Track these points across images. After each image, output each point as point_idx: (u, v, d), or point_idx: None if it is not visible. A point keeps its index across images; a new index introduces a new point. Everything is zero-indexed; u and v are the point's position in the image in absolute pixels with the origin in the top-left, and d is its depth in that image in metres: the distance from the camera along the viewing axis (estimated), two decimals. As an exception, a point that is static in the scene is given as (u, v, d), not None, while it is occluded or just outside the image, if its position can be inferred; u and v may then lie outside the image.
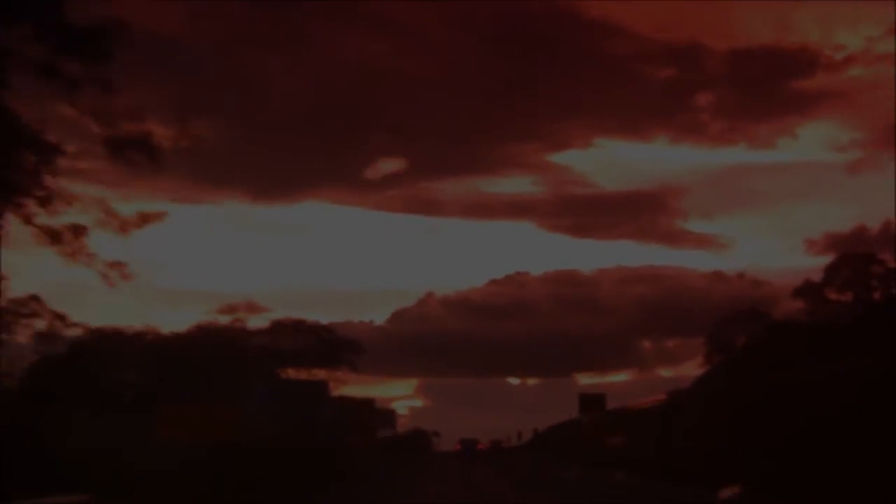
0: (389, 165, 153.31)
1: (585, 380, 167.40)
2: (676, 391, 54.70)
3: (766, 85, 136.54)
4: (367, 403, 59.86)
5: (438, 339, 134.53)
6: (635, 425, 51.59)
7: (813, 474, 23.98)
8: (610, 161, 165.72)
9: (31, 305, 29.65)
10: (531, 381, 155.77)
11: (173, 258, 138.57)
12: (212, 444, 28.06)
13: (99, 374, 42.23)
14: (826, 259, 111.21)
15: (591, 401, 56.57)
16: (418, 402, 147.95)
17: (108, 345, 43.85)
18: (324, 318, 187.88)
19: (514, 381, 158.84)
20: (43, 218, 25.07)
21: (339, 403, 57.16)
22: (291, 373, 62.64)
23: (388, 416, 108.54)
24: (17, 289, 28.17)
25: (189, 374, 42.49)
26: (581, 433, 55.86)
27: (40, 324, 30.47)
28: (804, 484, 23.41)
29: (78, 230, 25.85)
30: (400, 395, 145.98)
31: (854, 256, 61.96)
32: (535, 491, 34.65)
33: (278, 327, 61.80)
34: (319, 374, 63.28)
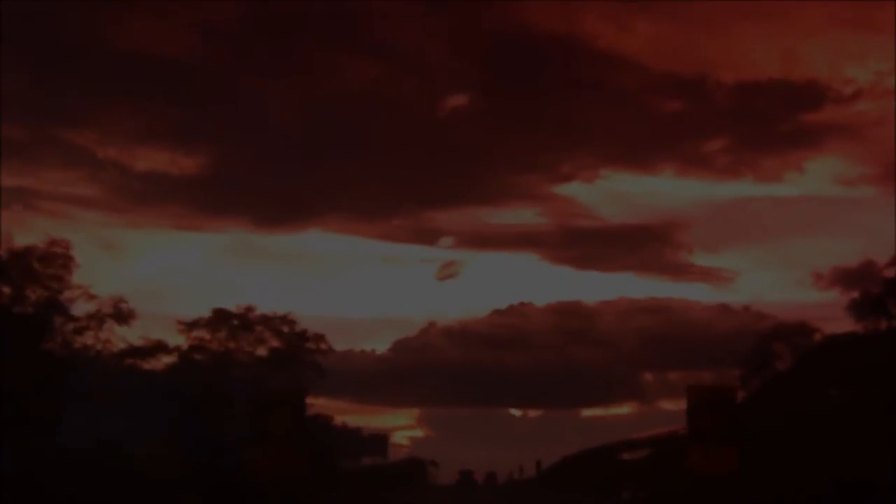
0: (393, 194, 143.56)
1: (587, 412, 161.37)
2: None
3: (774, 118, 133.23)
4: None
5: (440, 368, 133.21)
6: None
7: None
8: (615, 193, 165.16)
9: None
10: (533, 413, 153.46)
11: (176, 285, 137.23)
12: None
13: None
14: (832, 293, 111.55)
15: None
16: (419, 433, 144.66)
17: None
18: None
19: (515, 412, 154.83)
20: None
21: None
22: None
23: (378, 442, 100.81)
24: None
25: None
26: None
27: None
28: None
29: None
30: (401, 426, 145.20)
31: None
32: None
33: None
34: (320, 402, 59.79)
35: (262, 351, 52.33)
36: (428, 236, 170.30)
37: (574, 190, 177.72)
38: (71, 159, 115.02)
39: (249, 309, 52.13)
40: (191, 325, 51.19)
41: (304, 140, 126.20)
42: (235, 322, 51.73)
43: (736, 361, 62.38)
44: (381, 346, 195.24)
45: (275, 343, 52.68)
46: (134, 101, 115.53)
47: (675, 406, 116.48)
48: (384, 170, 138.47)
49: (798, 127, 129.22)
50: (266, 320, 52.64)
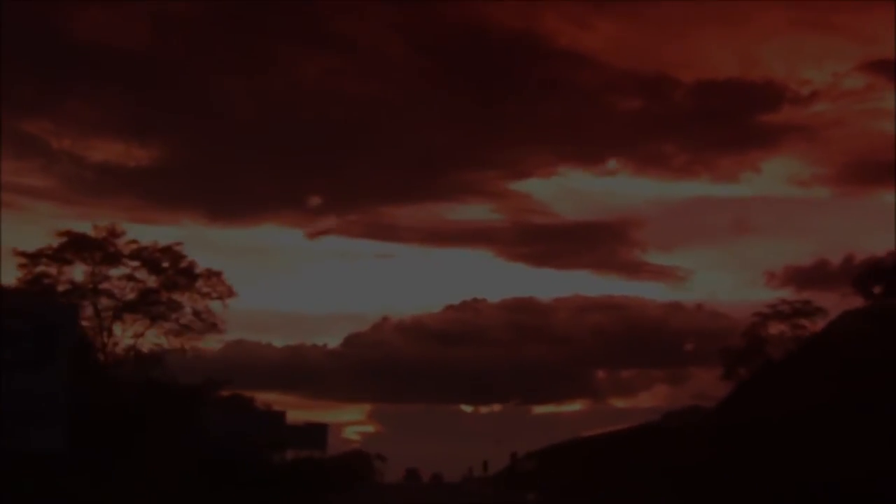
0: (348, 189, 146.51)
1: (539, 409, 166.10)
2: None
3: (731, 118, 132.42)
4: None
5: (392, 364, 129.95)
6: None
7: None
8: (571, 190, 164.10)
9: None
10: (484, 409, 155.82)
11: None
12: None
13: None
14: (785, 293, 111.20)
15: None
16: (370, 428, 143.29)
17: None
18: (278, 341, 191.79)
19: (467, 408, 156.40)
20: None
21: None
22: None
23: (316, 433, 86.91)
24: None
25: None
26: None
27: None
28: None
29: None
30: (352, 421, 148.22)
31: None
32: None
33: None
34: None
35: (131, 294, 38.35)
36: (383, 232, 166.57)
37: (531, 187, 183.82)
38: (24, 149, 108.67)
39: (114, 233, 38.02)
40: (34, 257, 37.22)
41: (259, 134, 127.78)
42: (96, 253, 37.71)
43: (721, 355, 57.13)
44: (334, 341, 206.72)
45: (151, 283, 38.70)
46: (89, 92, 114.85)
47: (626, 404, 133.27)
48: (340, 165, 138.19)
49: (755, 127, 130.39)
50: (140, 252, 38.62)
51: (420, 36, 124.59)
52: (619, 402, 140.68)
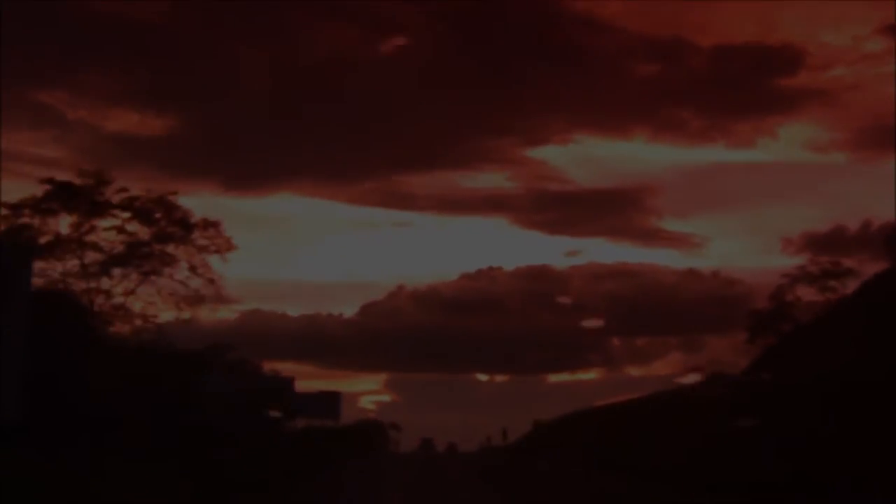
0: (364, 158, 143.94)
1: (554, 377, 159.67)
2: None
3: (749, 83, 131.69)
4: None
5: (408, 333, 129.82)
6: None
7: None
8: (587, 157, 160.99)
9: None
10: (500, 378, 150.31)
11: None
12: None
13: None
14: (802, 259, 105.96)
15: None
16: (386, 398, 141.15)
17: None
18: (294, 311, 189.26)
19: (482, 377, 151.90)
20: None
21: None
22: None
23: (328, 402, 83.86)
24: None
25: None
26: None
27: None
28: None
29: None
30: (368, 390, 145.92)
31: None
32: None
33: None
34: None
35: (119, 247, 34.79)
36: (399, 200, 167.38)
37: (547, 154, 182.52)
38: (40, 120, 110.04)
39: (102, 181, 34.37)
40: (16, 208, 33.73)
41: (275, 103, 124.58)
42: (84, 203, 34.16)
43: (748, 319, 53.09)
44: (350, 310, 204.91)
45: (143, 235, 35.15)
46: (104, 63, 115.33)
47: (642, 372, 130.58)
48: (355, 133, 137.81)
49: (772, 92, 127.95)
50: (130, 202, 35.04)
51: (436, 3, 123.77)
52: (634, 371, 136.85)
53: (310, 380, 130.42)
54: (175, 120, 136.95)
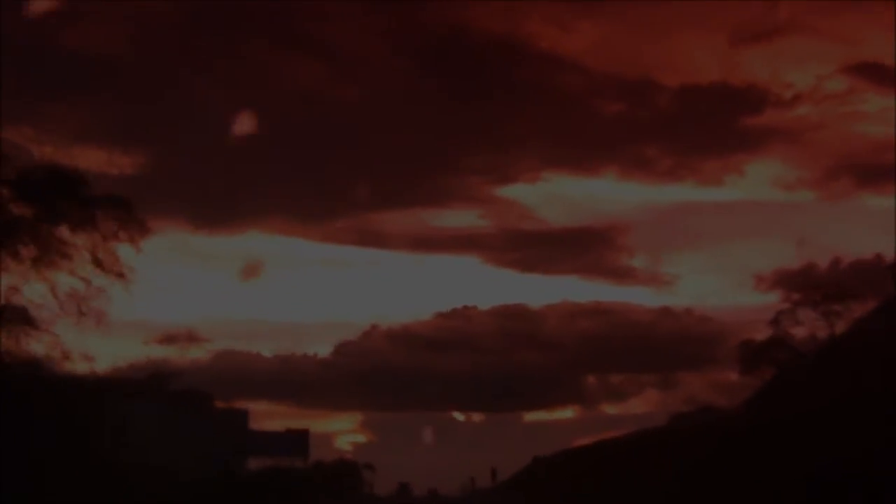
0: (335, 196, 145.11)
1: (530, 416, 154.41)
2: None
3: (715, 122, 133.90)
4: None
5: (383, 372, 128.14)
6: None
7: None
8: (557, 195, 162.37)
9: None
10: (476, 417, 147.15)
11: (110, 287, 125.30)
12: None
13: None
14: (773, 297, 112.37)
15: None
16: (361, 437, 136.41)
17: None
18: (267, 351, 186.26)
19: (458, 416, 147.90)
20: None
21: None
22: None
23: (296, 441, 76.01)
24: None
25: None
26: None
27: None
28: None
29: None
30: (343, 430, 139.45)
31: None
32: None
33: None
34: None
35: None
36: (370, 239, 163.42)
37: (517, 192, 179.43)
38: (6, 158, 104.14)
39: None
40: None
41: (244, 140, 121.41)
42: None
43: (740, 350, 57.72)
44: (324, 350, 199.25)
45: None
46: (71, 99, 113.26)
47: (618, 410, 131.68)
48: (326, 171, 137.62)
49: (738, 131, 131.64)
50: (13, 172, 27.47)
51: (404, 41, 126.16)
52: (610, 409, 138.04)
53: (284, 419, 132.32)
54: (143, 157, 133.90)
